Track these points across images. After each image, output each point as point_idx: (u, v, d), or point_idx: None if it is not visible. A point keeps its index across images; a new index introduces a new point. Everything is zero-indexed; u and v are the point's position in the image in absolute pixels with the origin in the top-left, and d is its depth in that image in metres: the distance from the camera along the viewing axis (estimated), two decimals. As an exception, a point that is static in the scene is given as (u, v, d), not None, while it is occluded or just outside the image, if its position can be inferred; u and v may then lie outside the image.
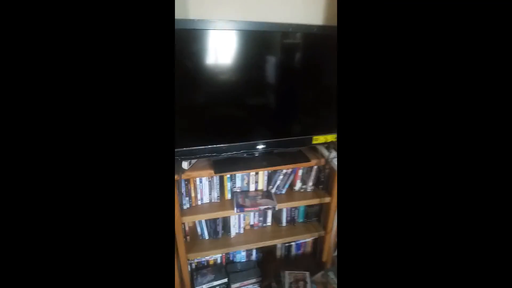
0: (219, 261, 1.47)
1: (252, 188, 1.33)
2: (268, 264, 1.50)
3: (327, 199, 1.35)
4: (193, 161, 1.17)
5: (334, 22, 1.15)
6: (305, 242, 1.56)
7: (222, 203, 1.28)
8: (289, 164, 1.23)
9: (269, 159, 1.23)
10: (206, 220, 1.32)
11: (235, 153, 1.16)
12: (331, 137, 1.26)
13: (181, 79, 0.90)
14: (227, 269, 1.44)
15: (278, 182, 1.33)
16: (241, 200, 1.25)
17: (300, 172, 1.34)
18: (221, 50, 0.99)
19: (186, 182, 1.20)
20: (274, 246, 1.52)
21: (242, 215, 1.37)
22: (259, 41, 1.01)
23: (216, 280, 1.37)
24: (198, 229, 1.35)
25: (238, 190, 1.31)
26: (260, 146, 1.18)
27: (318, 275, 1.42)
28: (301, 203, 1.36)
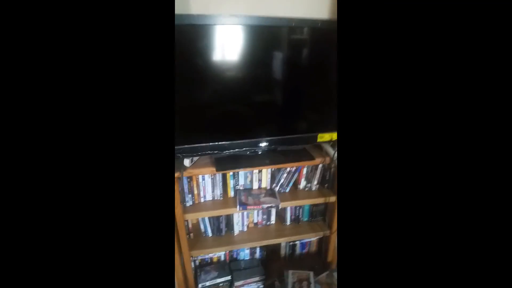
0: (222, 258, 1.47)
1: (255, 186, 1.31)
2: (272, 262, 1.48)
3: (332, 198, 1.32)
4: (195, 158, 1.16)
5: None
6: (310, 241, 1.54)
7: (225, 201, 1.27)
8: (293, 162, 1.20)
9: (272, 157, 1.21)
10: (209, 218, 1.32)
11: (238, 151, 1.15)
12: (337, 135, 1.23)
13: (180, 75, 0.89)
14: (230, 266, 1.43)
15: (282, 180, 1.31)
16: (244, 198, 1.24)
17: (304, 171, 1.32)
18: (221, 45, 0.97)
19: (189, 180, 1.20)
20: (278, 245, 1.50)
21: (245, 213, 1.36)
22: (260, 36, 0.99)
23: (219, 278, 1.37)
24: (202, 226, 1.35)
25: (241, 188, 1.30)
26: (263, 144, 1.16)
27: (323, 275, 1.40)
28: (306, 202, 1.34)
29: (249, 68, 1.03)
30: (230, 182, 1.26)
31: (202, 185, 1.23)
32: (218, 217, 1.32)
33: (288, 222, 1.44)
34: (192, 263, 1.39)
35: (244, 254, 1.49)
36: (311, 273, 1.35)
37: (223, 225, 1.35)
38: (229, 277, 1.38)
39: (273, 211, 1.43)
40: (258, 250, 1.50)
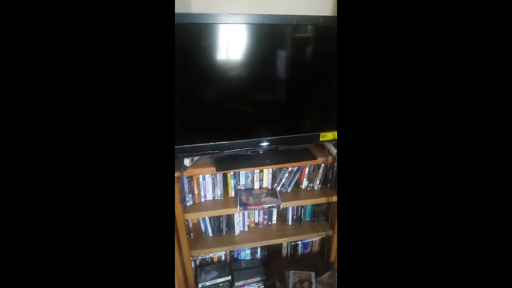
0: (223, 258, 1.46)
1: (256, 186, 1.29)
2: (273, 263, 1.47)
3: (335, 198, 1.30)
4: (195, 158, 1.14)
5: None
6: (312, 241, 1.52)
7: (225, 201, 1.26)
8: (294, 162, 1.18)
9: (273, 157, 1.19)
10: (210, 218, 1.31)
11: (238, 151, 1.13)
12: (339, 134, 1.20)
13: (180, 74, 0.87)
14: (231, 266, 1.42)
15: (283, 180, 1.30)
16: (245, 198, 1.23)
17: (306, 170, 1.30)
18: (221, 44, 0.95)
19: (189, 179, 1.19)
20: (280, 245, 1.49)
21: (246, 213, 1.35)
22: (262, 34, 0.96)
23: (219, 278, 1.36)
24: (202, 226, 1.34)
25: (242, 188, 1.28)
26: (264, 144, 1.14)
27: (325, 276, 1.38)
28: (307, 202, 1.32)
29: (250, 67, 1.01)
30: (231, 182, 1.25)
31: (202, 184, 1.22)
32: (218, 217, 1.31)
33: (290, 222, 1.42)
34: (193, 263, 1.38)
35: (245, 254, 1.48)
36: (313, 274, 1.33)
37: (223, 225, 1.33)
38: (229, 277, 1.37)
39: (275, 211, 1.41)
40: (259, 250, 1.48)
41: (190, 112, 1.02)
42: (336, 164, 1.24)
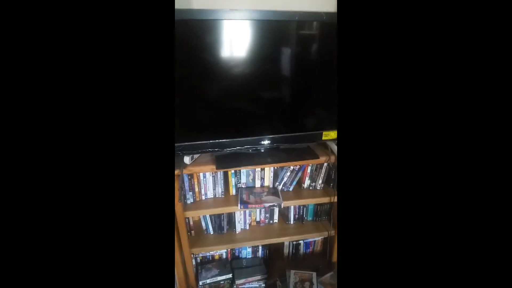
0: (224, 256, 1.46)
1: (258, 184, 1.28)
2: (274, 261, 1.46)
3: (337, 198, 1.28)
4: (196, 155, 1.14)
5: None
6: (314, 241, 1.50)
7: (226, 199, 1.25)
8: (296, 160, 1.17)
9: (274, 155, 1.17)
10: (210, 215, 1.31)
11: (239, 149, 1.11)
12: (342, 133, 1.18)
13: (178, 71, 0.86)
14: (232, 265, 1.42)
15: (285, 179, 1.28)
16: (246, 197, 1.22)
17: (309, 169, 1.28)
18: (222, 40, 0.93)
19: (190, 177, 1.18)
20: (282, 244, 1.48)
21: (248, 211, 1.34)
22: (263, 31, 0.94)
23: (220, 276, 1.36)
24: (203, 224, 1.34)
25: (243, 186, 1.27)
26: (265, 142, 1.12)
27: (327, 276, 1.37)
28: (309, 201, 1.30)
29: (252, 64, 0.99)
30: (232, 180, 1.24)
31: (203, 182, 1.21)
32: (219, 215, 1.31)
33: (292, 221, 1.41)
34: (193, 260, 1.38)
35: (246, 252, 1.47)
36: (314, 274, 1.32)
37: (224, 223, 1.33)
38: (230, 275, 1.37)
39: (276, 210, 1.40)
40: (260, 248, 1.47)
41: (190, 109, 1.01)
42: (337, 163, 1.22)
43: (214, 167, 1.10)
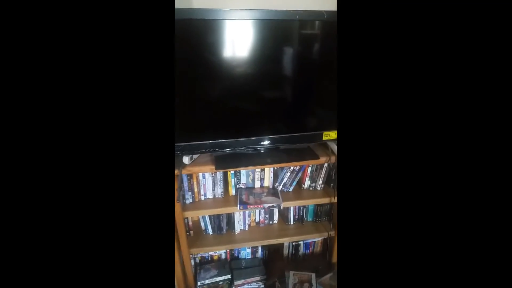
0: (223, 256, 1.45)
1: (257, 184, 1.27)
2: (274, 262, 1.45)
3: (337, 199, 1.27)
4: (195, 156, 1.13)
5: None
6: (314, 242, 1.50)
7: (226, 199, 1.24)
8: (296, 161, 1.16)
9: (274, 156, 1.16)
10: (210, 216, 1.30)
11: (239, 149, 1.10)
12: (343, 134, 1.17)
13: (178, 71, 0.85)
14: (231, 265, 1.41)
15: (285, 180, 1.27)
16: (245, 197, 1.21)
17: (309, 170, 1.27)
18: (221, 40, 0.92)
19: (189, 177, 1.17)
20: (281, 245, 1.47)
21: (247, 211, 1.33)
22: (263, 30, 0.93)
23: (219, 276, 1.35)
24: (202, 224, 1.33)
25: (243, 187, 1.26)
26: (265, 142, 1.11)
27: (327, 277, 1.36)
28: (309, 202, 1.29)
29: (252, 64, 0.98)
30: (232, 181, 1.23)
31: (202, 183, 1.20)
32: (219, 216, 1.30)
33: (292, 222, 1.40)
34: (192, 261, 1.37)
35: (246, 253, 1.46)
36: (313, 275, 1.31)
37: (224, 224, 1.32)
38: (229, 276, 1.36)
39: (276, 211, 1.39)
40: (259, 249, 1.47)
41: (189, 109, 1.00)
42: (337, 163, 1.21)
43: (213, 167, 1.09)
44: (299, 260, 1.50)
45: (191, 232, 1.33)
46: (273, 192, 1.25)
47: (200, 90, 0.99)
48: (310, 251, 1.52)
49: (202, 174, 1.18)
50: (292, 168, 1.24)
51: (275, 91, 1.07)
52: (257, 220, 1.39)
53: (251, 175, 1.25)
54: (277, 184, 1.28)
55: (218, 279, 1.35)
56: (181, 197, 1.13)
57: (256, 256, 1.47)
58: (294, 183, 1.29)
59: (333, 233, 1.37)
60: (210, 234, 1.34)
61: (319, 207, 1.39)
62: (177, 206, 1.11)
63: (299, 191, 1.31)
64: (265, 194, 1.24)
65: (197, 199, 1.23)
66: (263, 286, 1.38)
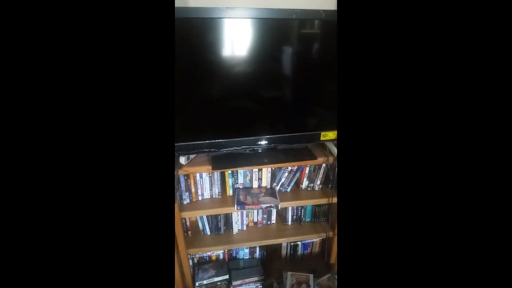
0: (221, 257, 1.45)
1: (255, 185, 1.27)
2: (272, 263, 1.45)
3: (336, 199, 1.26)
4: (192, 156, 1.12)
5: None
6: (312, 242, 1.49)
7: (223, 199, 1.24)
8: (293, 161, 1.15)
9: (271, 156, 1.16)
10: (207, 216, 1.29)
11: (236, 149, 1.10)
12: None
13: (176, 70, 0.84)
14: (229, 265, 1.41)
15: (283, 180, 1.26)
16: (243, 197, 1.20)
17: (307, 170, 1.26)
18: (219, 39, 0.92)
19: (186, 177, 1.17)
20: (279, 245, 1.46)
21: (245, 212, 1.32)
22: (260, 29, 0.92)
23: (217, 276, 1.35)
24: (200, 225, 1.32)
25: (240, 187, 1.26)
26: (263, 142, 1.10)
27: (325, 278, 1.35)
28: (307, 203, 1.29)
29: (250, 63, 0.97)
30: (229, 181, 1.23)
31: (199, 183, 1.20)
32: (216, 216, 1.29)
33: (290, 222, 1.40)
34: (190, 261, 1.37)
35: (244, 253, 1.46)
36: (311, 276, 1.31)
37: (221, 224, 1.31)
38: (227, 276, 1.36)
39: (274, 211, 1.38)
40: (257, 249, 1.46)
41: (186, 109, 0.99)
42: (337, 164, 1.20)
43: (210, 167, 1.09)
44: (297, 261, 1.50)
45: (189, 232, 1.33)
46: (270, 192, 1.25)
47: (197, 90, 0.99)
48: (308, 251, 1.51)
49: (199, 174, 1.18)
50: (289, 168, 1.24)
51: (273, 90, 1.06)
52: (255, 220, 1.38)
53: (249, 175, 1.24)
54: (275, 184, 1.28)
55: (216, 279, 1.34)
56: (178, 197, 1.13)
57: (254, 256, 1.47)
58: (292, 184, 1.28)
59: (331, 233, 1.37)
60: (208, 234, 1.34)
61: (317, 208, 1.39)
62: (175, 206, 1.11)
63: (297, 192, 1.30)
64: (262, 194, 1.23)
65: (194, 199, 1.22)
66: (261, 286, 1.38)
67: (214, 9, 0.86)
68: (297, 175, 1.27)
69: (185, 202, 1.21)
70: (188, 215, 1.20)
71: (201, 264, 1.41)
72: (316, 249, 1.52)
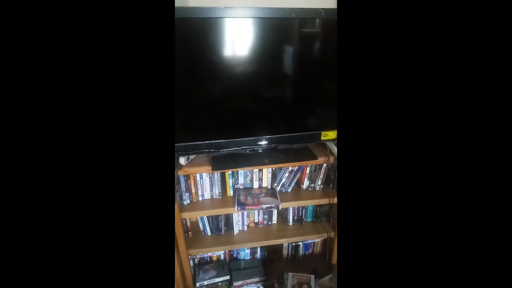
0: (222, 257, 1.44)
1: (255, 185, 1.26)
2: (273, 263, 1.44)
3: (336, 199, 1.25)
4: (192, 156, 1.12)
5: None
6: (314, 242, 1.48)
7: (224, 200, 1.24)
8: (293, 161, 1.14)
9: (272, 156, 1.15)
10: (208, 217, 1.29)
11: (236, 149, 1.09)
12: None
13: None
14: (230, 266, 1.40)
15: (284, 180, 1.26)
16: (243, 198, 1.20)
17: (307, 170, 1.26)
18: (218, 39, 0.91)
19: (186, 178, 1.16)
20: (280, 245, 1.46)
21: (246, 212, 1.32)
22: (259, 29, 0.92)
23: (218, 277, 1.34)
24: (200, 225, 1.32)
25: (241, 187, 1.25)
26: (263, 142, 1.10)
27: (326, 279, 1.34)
28: (308, 203, 1.28)
29: (250, 63, 0.97)
30: (229, 181, 1.22)
31: (200, 183, 1.20)
32: (217, 216, 1.29)
33: (291, 223, 1.39)
34: (191, 261, 1.37)
35: (245, 253, 1.45)
36: (312, 277, 1.30)
37: (222, 224, 1.31)
38: (228, 277, 1.35)
39: (275, 211, 1.38)
40: (258, 250, 1.45)
41: (185, 109, 0.99)
42: (337, 164, 1.19)
43: (210, 168, 1.08)
44: (299, 261, 1.49)
45: (190, 233, 1.32)
46: (271, 192, 1.24)
47: (196, 90, 0.98)
48: (310, 252, 1.50)
49: (200, 174, 1.17)
50: (290, 168, 1.23)
51: (273, 90, 1.06)
52: (256, 220, 1.38)
53: (249, 175, 1.24)
54: (275, 184, 1.27)
55: (217, 280, 1.34)
56: (178, 198, 1.13)
57: (255, 257, 1.46)
58: (293, 184, 1.28)
59: (332, 234, 1.36)
60: (209, 235, 1.33)
61: (318, 208, 1.38)
62: (175, 207, 1.10)
63: (298, 192, 1.30)
64: (263, 194, 1.22)
65: (194, 200, 1.22)
66: (262, 287, 1.37)
67: (213, 8, 0.86)
68: (298, 175, 1.26)
69: (185, 203, 1.20)
70: (188, 216, 1.19)
71: (202, 265, 1.41)
72: (318, 249, 1.51)
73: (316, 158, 1.15)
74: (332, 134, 1.15)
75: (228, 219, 1.32)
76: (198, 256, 1.41)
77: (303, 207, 1.36)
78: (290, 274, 1.31)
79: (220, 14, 0.87)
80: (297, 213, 1.38)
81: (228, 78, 0.98)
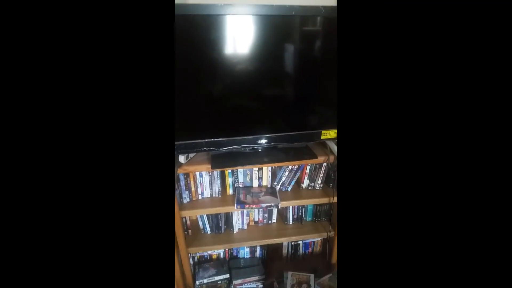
0: (222, 256, 1.44)
1: (255, 184, 1.26)
2: (273, 262, 1.44)
3: (336, 198, 1.25)
4: (191, 154, 1.12)
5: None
6: (314, 242, 1.48)
7: (223, 198, 1.23)
8: (293, 160, 1.14)
9: (271, 155, 1.15)
10: (207, 215, 1.29)
11: (235, 148, 1.09)
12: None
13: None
14: (229, 264, 1.40)
15: (283, 179, 1.25)
16: (243, 196, 1.20)
17: (307, 169, 1.25)
18: (216, 36, 0.91)
19: (186, 176, 1.16)
20: (280, 244, 1.45)
21: (245, 211, 1.32)
22: (259, 27, 0.91)
23: (217, 275, 1.34)
24: (200, 223, 1.32)
25: (240, 186, 1.25)
26: (262, 141, 1.10)
27: (326, 278, 1.34)
28: (308, 202, 1.27)
29: (250, 61, 0.96)
30: (229, 180, 1.22)
31: (199, 182, 1.19)
32: (217, 215, 1.29)
33: (291, 222, 1.39)
34: (191, 260, 1.37)
35: (244, 252, 1.45)
36: (312, 276, 1.30)
37: (222, 223, 1.31)
38: (227, 275, 1.35)
39: (275, 210, 1.37)
40: (258, 248, 1.45)
41: (184, 107, 0.99)
42: (337, 163, 1.19)
43: (209, 166, 1.08)
44: (298, 260, 1.49)
45: (189, 231, 1.33)
46: (271, 191, 1.24)
47: (196, 88, 0.98)
48: (310, 251, 1.50)
49: (199, 173, 1.17)
50: (290, 167, 1.23)
51: (273, 88, 1.05)
52: (256, 219, 1.38)
53: (249, 174, 1.24)
54: (275, 183, 1.27)
55: (216, 278, 1.34)
56: (178, 196, 1.12)
57: (255, 255, 1.46)
58: (293, 183, 1.27)
59: (332, 233, 1.36)
60: (209, 233, 1.33)
61: (318, 207, 1.38)
62: (175, 205, 1.10)
63: (297, 191, 1.29)
64: (263, 193, 1.22)
65: (194, 198, 1.22)
66: (261, 286, 1.37)
67: (213, 5, 0.85)
68: (298, 174, 1.26)
69: (185, 201, 1.20)
70: (188, 214, 1.19)
71: (202, 263, 1.41)
72: (317, 248, 1.51)
73: (316, 157, 1.15)
74: (332, 133, 1.15)
75: (228, 217, 1.31)
76: (197, 255, 1.41)
77: (303, 206, 1.36)
78: (290, 273, 1.31)
79: (220, 11, 0.86)
80: (297, 212, 1.37)
81: (228, 76, 0.97)
